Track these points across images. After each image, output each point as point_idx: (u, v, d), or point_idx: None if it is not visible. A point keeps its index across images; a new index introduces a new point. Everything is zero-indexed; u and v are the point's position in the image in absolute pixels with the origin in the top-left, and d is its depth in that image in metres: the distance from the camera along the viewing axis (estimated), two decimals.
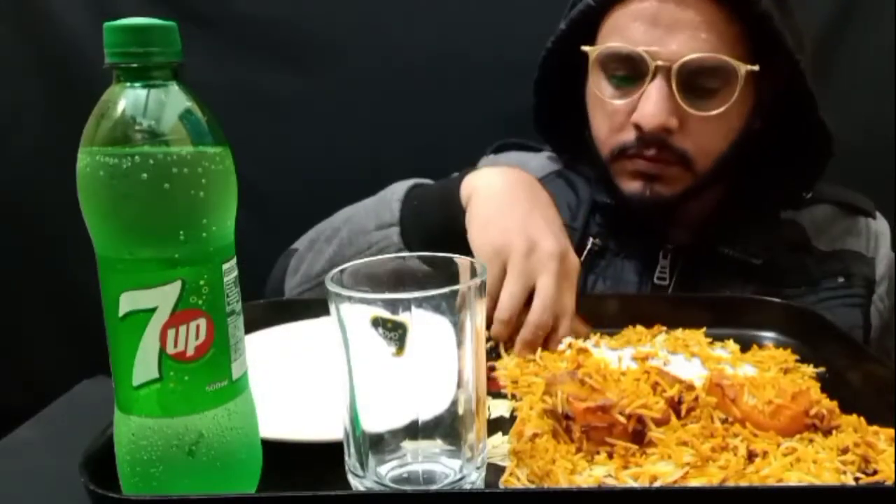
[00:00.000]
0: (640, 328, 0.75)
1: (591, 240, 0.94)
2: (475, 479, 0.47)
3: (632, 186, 0.86)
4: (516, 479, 0.49)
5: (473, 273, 0.47)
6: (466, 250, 0.75)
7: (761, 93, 0.87)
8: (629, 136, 0.85)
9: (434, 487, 0.46)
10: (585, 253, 0.93)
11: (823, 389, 0.60)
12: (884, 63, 1.19)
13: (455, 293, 0.43)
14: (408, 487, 0.46)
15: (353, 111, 1.27)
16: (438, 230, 0.81)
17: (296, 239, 0.99)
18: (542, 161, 1.04)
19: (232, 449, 0.45)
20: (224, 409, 0.45)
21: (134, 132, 0.41)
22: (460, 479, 0.46)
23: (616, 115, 0.85)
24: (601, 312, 0.78)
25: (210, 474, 0.44)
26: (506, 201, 0.76)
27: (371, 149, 1.28)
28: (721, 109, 0.82)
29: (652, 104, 0.81)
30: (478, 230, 0.75)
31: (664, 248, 0.93)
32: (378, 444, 0.46)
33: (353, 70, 1.26)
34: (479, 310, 0.45)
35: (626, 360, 0.67)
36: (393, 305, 0.43)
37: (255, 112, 1.25)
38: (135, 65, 0.41)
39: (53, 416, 0.71)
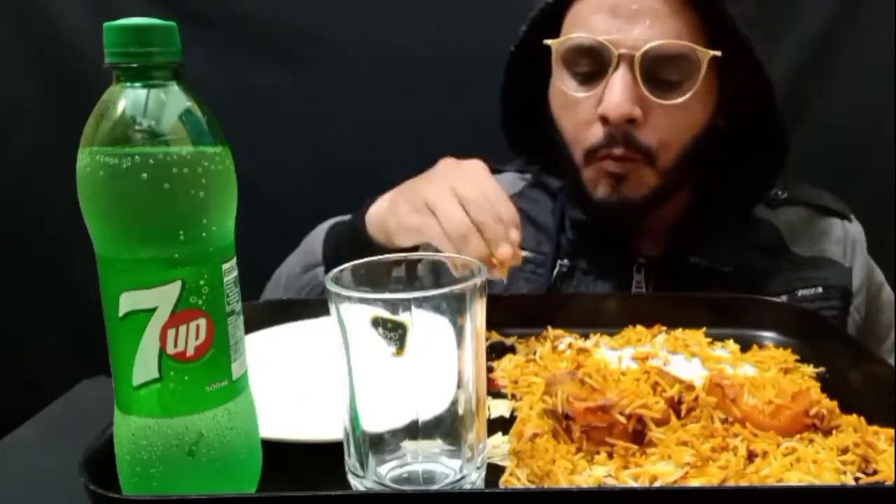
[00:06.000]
0: (640, 328, 0.75)
1: (558, 261, 0.92)
2: (475, 479, 0.47)
3: (600, 192, 0.85)
4: (516, 479, 0.49)
5: (473, 273, 0.47)
6: None
7: (722, 87, 0.86)
8: (597, 133, 0.83)
9: (434, 487, 0.46)
10: (555, 275, 0.92)
11: (823, 389, 0.60)
12: (884, 63, 1.19)
13: (455, 293, 0.43)
14: (408, 487, 0.46)
15: (353, 111, 1.27)
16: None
17: (295, 238, 0.99)
18: (510, 179, 1.01)
19: (232, 449, 0.45)
20: (224, 409, 0.45)
21: (134, 132, 0.41)
22: (460, 479, 0.46)
23: (581, 110, 0.84)
24: (601, 312, 0.78)
25: (210, 474, 0.44)
26: (396, 192, 0.83)
27: (371, 149, 1.28)
28: (685, 97, 0.81)
29: (616, 93, 0.79)
30: (387, 217, 0.80)
31: (636, 262, 0.91)
32: (378, 444, 0.46)
33: (353, 70, 1.26)
34: (479, 310, 0.45)
35: (626, 360, 0.67)
36: (393, 305, 0.43)
37: (256, 112, 1.25)
38: (135, 65, 0.41)
39: (53, 416, 0.71)
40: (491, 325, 0.69)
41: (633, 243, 0.93)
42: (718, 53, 0.81)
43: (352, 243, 0.85)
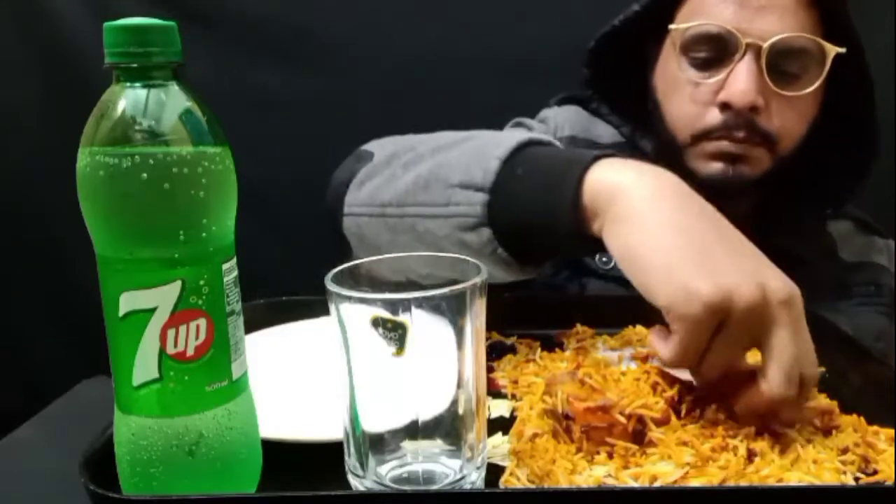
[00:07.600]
0: (640, 328, 0.75)
1: None
2: (475, 479, 0.47)
3: (712, 168, 0.86)
4: (516, 479, 0.49)
5: (474, 273, 0.47)
6: (559, 251, 0.75)
7: (828, 83, 0.88)
8: (714, 117, 0.85)
9: (434, 487, 0.46)
10: None
11: (823, 389, 0.60)
12: (884, 63, 1.19)
13: (456, 294, 0.43)
14: (408, 487, 0.46)
15: (353, 111, 1.27)
16: (536, 220, 0.62)
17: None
18: (608, 130, 1.00)
19: (232, 449, 0.45)
20: (224, 409, 0.45)
21: (134, 132, 0.41)
22: (460, 479, 0.46)
23: (700, 95, 0.86)
24: (601, 312, 0.78)
25: (210, 474, 0.44)
26: (687, 225, 0.55)
27: None
28: (808, 90, 0.83)
29: (742, 82, 0.81)
30: (664, 273, 0.53)
31: None
32: (378, 444, 0.46)
33: (353, 69, 1.26)
34: (480, 310, 0.45)
35: (626, 360, 0.67)
36: (393, 305, 0.43)
37: (256, 112, 1.25)
38: (135, 65, 0.41)
39: (53, 416, 0.71)
40: (491, 325, 0.70)
41: None
42: (843, 50, 0.83)
43: (544, 207, 0.61)
